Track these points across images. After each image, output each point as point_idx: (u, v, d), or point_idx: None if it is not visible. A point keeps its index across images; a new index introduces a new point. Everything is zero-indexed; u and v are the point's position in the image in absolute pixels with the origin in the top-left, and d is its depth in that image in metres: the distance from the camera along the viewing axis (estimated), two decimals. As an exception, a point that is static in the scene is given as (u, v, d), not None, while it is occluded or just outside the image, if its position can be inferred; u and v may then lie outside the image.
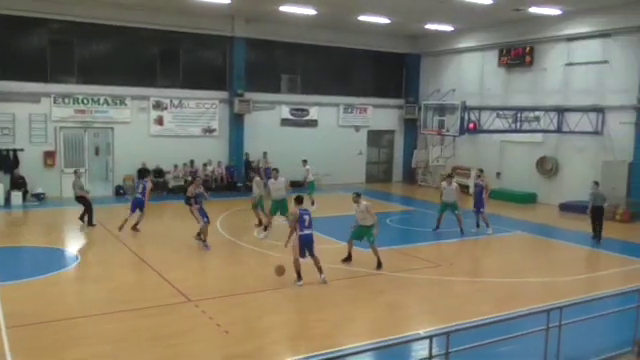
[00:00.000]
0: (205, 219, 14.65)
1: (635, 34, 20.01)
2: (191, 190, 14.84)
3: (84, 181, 22.49)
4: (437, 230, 17.03)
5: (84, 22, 22.19)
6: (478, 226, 17.49)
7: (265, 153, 25.42)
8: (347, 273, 12.64)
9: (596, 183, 17.17)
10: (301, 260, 11.66)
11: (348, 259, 13.27)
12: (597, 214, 16.54)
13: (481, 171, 18.47)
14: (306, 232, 11.71)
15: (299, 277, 11.63)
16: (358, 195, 13.10)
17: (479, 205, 17.42)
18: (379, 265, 12.91)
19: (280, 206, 16.12)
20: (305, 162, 21.74)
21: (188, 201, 14.89)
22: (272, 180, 16.45)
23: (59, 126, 22.08)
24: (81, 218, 17.37)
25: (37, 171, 21.62)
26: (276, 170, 16.87)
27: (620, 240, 16.88)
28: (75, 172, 18.17)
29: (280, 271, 11.64)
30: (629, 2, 19.65)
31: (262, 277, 12.28)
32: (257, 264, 13.48)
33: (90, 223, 17.26)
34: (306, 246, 11.73)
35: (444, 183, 17.32)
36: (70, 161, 22.42)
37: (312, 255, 11.82)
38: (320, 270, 11.79)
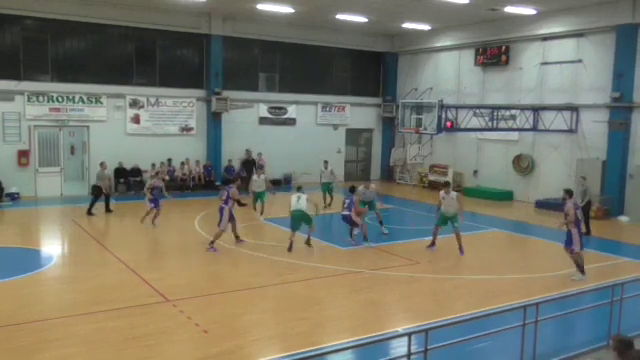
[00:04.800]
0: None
1: (608, 34, 20.32)
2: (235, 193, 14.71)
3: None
4: (433, 247, 14.88)
5: (58, 19, 21.87)
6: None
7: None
8: (326, 272, 12.67)
9: (584, 178, 17.95)
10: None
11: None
12: (587, 209, 17.24)
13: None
14: (344, 213, 15.15)
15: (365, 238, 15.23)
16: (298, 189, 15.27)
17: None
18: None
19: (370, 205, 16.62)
20: (326, 163, 21.83)
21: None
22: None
23: (33, 125, 21.73)
24: (107, 209, 19.01)
25: (11, 170, 21.25)
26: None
27: (594, 237, 17.13)
28: (101, 164, 19.45)
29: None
30: (602, 3, 19.98)
31: (241, 276, 12.26)
32: (236, 263, 13.43)
33: (89, 212, 18.63)
34: (346, 221, 15.19)
35: (442, 192, 14.71)
36: (45, 160, 22.16)
37: (352, 225, 15.25)
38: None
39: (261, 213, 18.64)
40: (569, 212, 12.35)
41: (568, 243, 12.50)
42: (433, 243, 14.90)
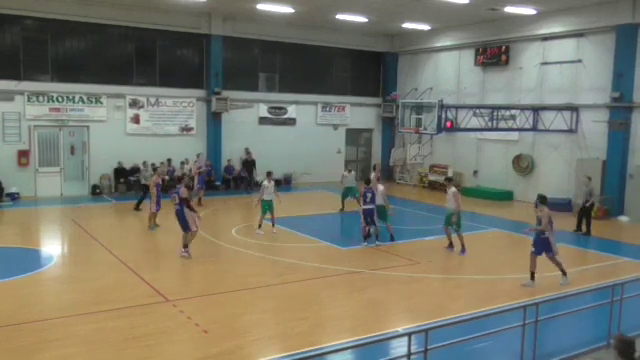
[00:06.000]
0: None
1: (607, 34, 20.31)
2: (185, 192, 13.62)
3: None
4: (451, 248, 14.84)
5: (58, 19, 21.86)
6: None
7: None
8: (326, 272, 12.66)
9: (589, 178, 18.01)
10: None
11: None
12: (590, 209, 17.55)
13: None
14: (366, 207, 15.06)
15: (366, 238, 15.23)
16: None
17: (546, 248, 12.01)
18: None
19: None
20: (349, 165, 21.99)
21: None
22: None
23: (33, 125, 21.71)
24: (137, 207, 19.40)
25: (11, 170, 21.24)
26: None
27: (594, 237, 17.14)
28: (144, 164, 20.81)
29: None
30: (602, 3, 19.98)
31: (241, 276, 12.25)
32: (236, 263, 13.42)
33: (137, 208, 19.34)
34: (368, 216, 15.00)
35: (448, 190, 14.81)
36: (45, 160, 22.14)
37: (373, 223, 15.10)
38: (377, 237, 15.28)
39: (273, 225, 16.31)
40: (544, 218, 11.71)
41: (541, 250, 11.92)
42: (450, 244, 14.87)
